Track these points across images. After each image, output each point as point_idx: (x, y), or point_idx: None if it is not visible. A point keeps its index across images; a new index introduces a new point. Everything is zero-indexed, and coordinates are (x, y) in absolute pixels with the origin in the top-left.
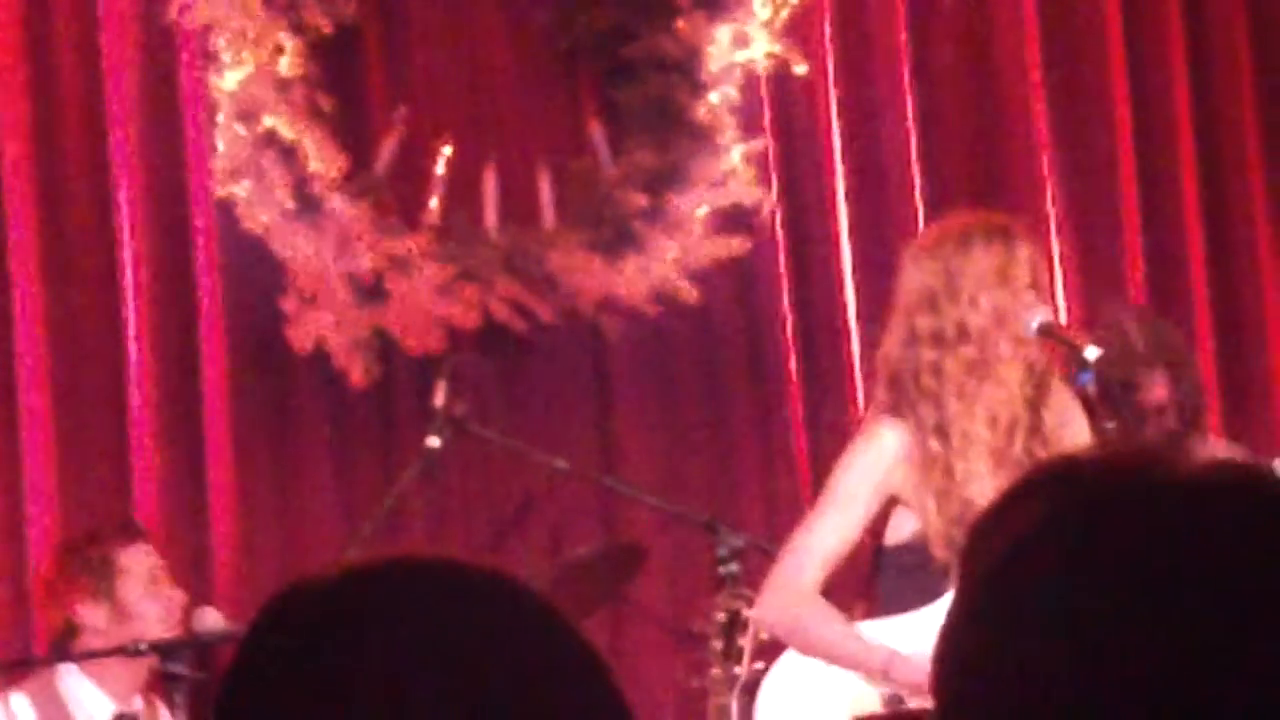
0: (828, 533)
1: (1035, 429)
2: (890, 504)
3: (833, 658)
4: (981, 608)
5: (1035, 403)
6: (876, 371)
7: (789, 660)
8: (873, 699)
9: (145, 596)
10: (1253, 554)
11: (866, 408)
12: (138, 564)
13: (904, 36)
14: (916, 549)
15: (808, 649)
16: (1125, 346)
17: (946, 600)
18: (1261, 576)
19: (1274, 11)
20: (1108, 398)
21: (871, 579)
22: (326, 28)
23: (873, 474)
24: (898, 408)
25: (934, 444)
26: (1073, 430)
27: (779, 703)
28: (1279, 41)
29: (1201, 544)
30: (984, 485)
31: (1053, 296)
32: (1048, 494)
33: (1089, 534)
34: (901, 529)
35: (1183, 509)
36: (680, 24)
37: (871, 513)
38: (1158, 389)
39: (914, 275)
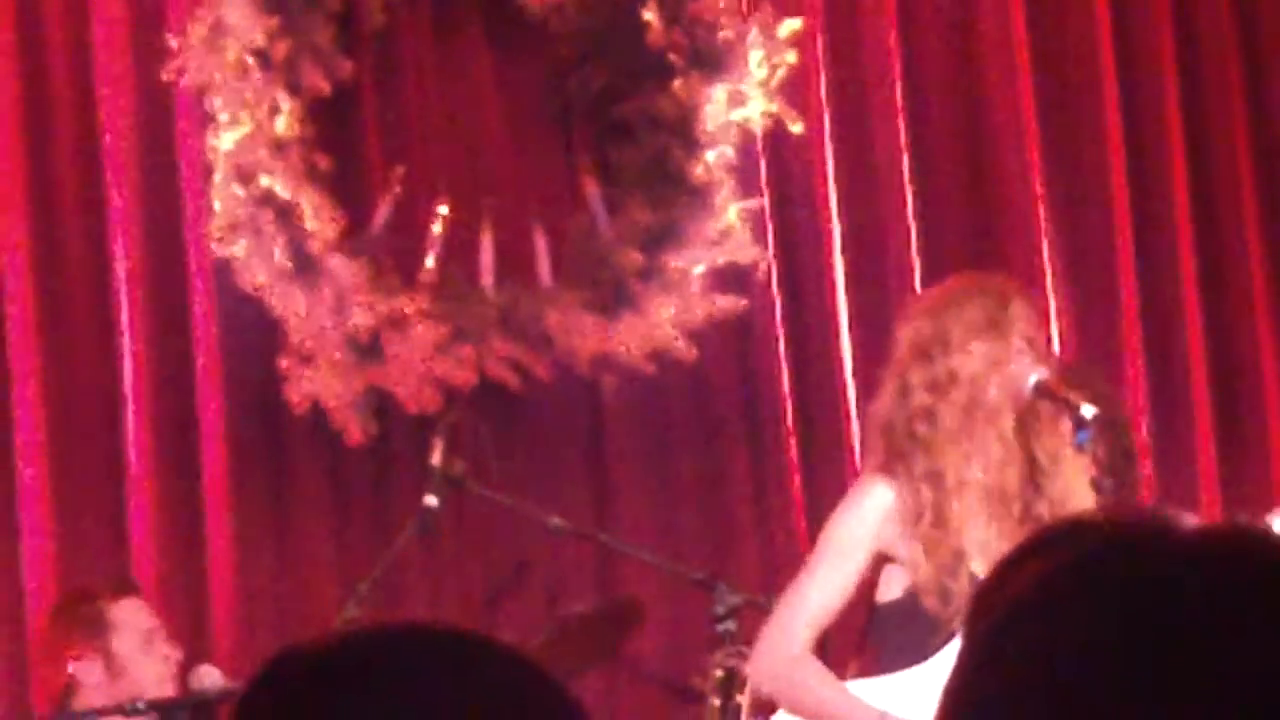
0: (819, 592)
1: (1033, 481)
2: (881, 561)
3: (824, 718)
4: (985, 666)
5: (1031, 454)
6: (868, 430)
7: None
8: None
9: (140, 652)
10: (1254, 617)
11: (863, 464)
12: (131, 619)
13: (899, 95)
14: (908, 607)
15: (800, 709)
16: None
17: (938, 660)
18: (1259, 642)
19: (1269, 62)
20: (1106, 455)
21: (864, 637)
22: (323, 88)
23: (863, 531)
24: (889, 464)
25: (926, 492)
26: (1073, 487)
27: None
28: (1274, 92)
29: (1204, 606)
30: (978, 533)
31: (1049, 353)
32: (1051, 555)
33: (1088, 598)
34: (892, 587)
35: (1185, 571)
36: (676, 83)
37: (863, 570)
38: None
39: (906, 334)
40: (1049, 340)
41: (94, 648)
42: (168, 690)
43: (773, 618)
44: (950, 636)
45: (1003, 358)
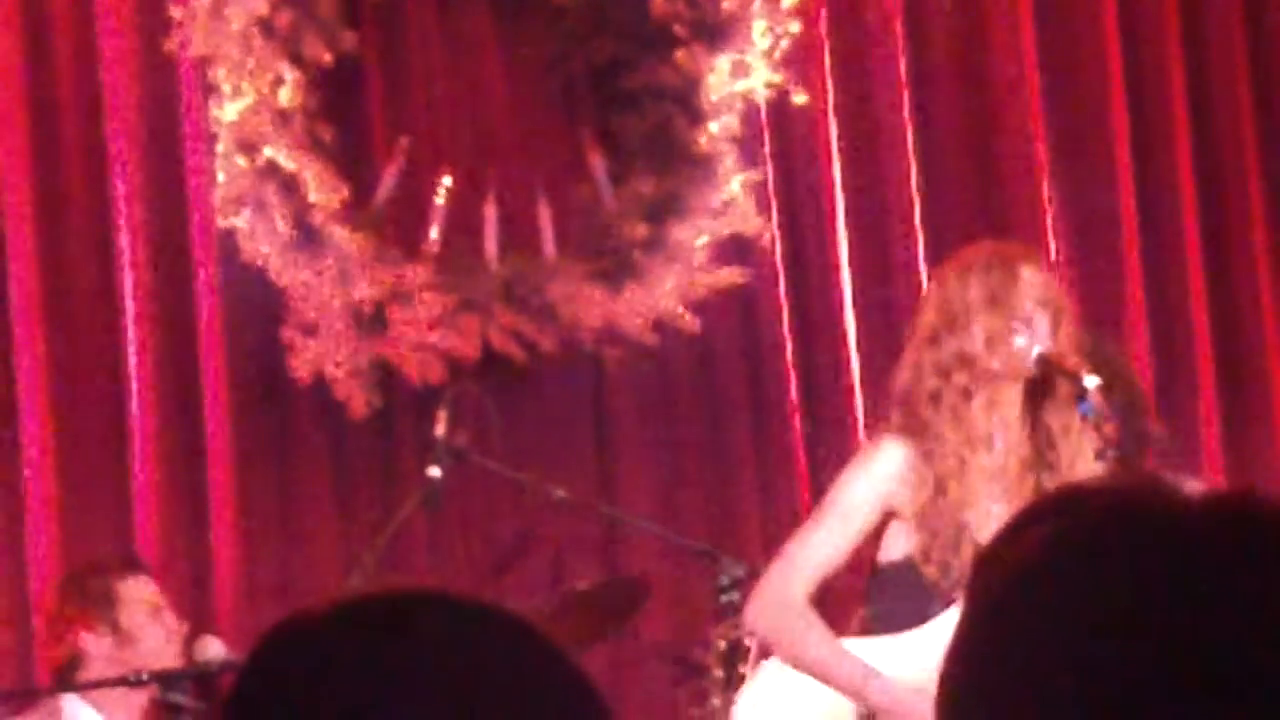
0: (823, 543)
1: (1040, 454)
2: (887, 519)
3: (812, 670)
4: (987, 630)
5: (1042, 428)
6: (888, 400)
7: (765, 678)
8: (847, 716)
9: (148, 624)
10: (1256, 583)
11: (867, 436)
12: (139, 594)
13: (903, 66)
14: (908, 569)
15: (789, 658)
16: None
17: (936, 625)
18: (1264, 605)
19: (1273, 48)
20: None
21: (864, 595)
22: (326, 59)
23: (873, 488)
24: (904, 428)
25: (932, 469)
26: (1080, 458)
27: (755, 716)
28: (1278, 77)
29: (1210, 573)
30: (982, 509)
31: (1069, 317)
32: (1052, 522)
33: (1093, 561)
34: (895, 547)
35: (1190, 537)
36: (680, 54)
37: (869, 526)
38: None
39: (924, 310)
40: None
41: (103, 621)
42: (172, 661)
43: (774, 564)
44: (949, 604)
45: (1002, 333)
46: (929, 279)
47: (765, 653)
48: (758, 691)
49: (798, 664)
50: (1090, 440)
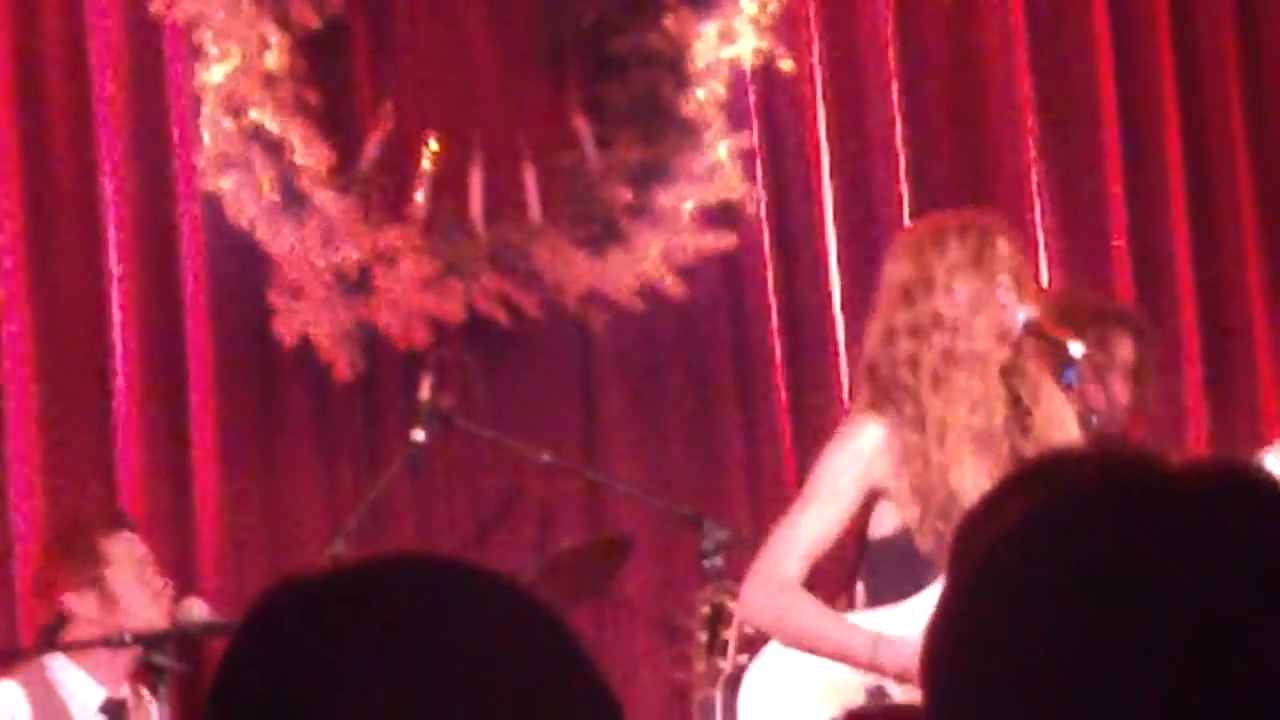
0: (809, 525)
1: (1021, 421)
2: (873, 497)
3: (817, 647)
4: (968, 601)
5: (1019, 394)
6: (856, 372)
7: (772, 654)
8: (856, 690)
9: (133, 584)
10: (1245, 547)
11: (852, 402)
12: (124, 552)
13: (890, 31)
14: (901, 542)
15: (792, 640)
16: (1094, 307)
17: (931, 592)
18: (1251, 571)
19: (1264, 50)
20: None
21: (856, 573)
22: (313, 23)
23: (854, 467)
24: (877, 403)
25: (913, 436)
26: (1061, 425)
27: (762, 696)
28: (1269, 78)
29: (1190, 538)
30: (967, 473)
31: (1038, 287)
32: (1034, 489)
33: (1079, 528)
34: (885, 523)
35: (1172, 503)
36: (667, 19)
37: (853, 506)
38: (1125, 348)
39: (890, 273)
40: (1037, 274)
41: (88, 581)
42: (159, 620)
43: (762, 551)
44: (942, 573)
45: (987, 298)
46: (892, 244)
47: (763, 639)
48: (761, 673)
49: (802, 644)
50: (1071, 405)
